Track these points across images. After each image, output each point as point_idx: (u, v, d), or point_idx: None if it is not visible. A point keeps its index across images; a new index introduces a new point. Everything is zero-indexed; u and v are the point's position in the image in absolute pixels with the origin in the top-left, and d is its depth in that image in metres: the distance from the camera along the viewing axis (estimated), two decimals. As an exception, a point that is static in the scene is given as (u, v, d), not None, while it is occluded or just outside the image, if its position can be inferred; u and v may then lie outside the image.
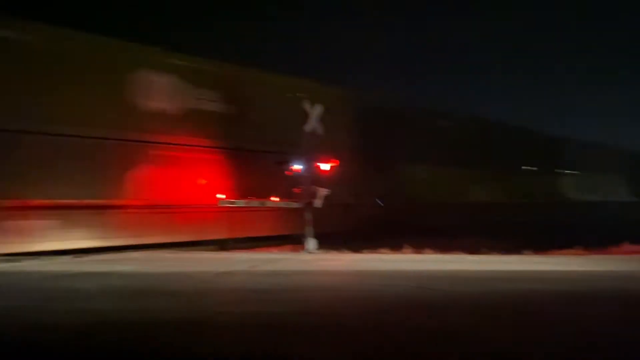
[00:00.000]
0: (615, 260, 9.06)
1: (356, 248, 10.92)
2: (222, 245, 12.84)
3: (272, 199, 11.89)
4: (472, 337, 3.52)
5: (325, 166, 11.48)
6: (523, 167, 28.28)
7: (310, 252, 11.05)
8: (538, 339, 3.49)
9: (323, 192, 11.34)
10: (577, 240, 10.93)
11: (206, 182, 13.08)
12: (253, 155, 13.94)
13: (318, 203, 11.38)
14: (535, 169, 29.14)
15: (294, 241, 12.38)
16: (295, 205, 11.69)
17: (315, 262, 8.87)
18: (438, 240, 11.44)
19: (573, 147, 31.65)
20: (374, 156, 17.47)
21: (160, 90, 12.58)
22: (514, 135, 27.33)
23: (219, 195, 11.69)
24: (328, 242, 11.67)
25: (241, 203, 11.23)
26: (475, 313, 4.33)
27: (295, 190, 11.79)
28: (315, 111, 11.72)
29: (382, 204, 17.98)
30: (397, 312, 4.44)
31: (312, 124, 11.55)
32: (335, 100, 13.49)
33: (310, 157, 11.61)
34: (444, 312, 4.39)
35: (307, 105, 11.56)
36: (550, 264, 8.23)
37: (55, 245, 10.43)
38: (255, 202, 11.43)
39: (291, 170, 11.58)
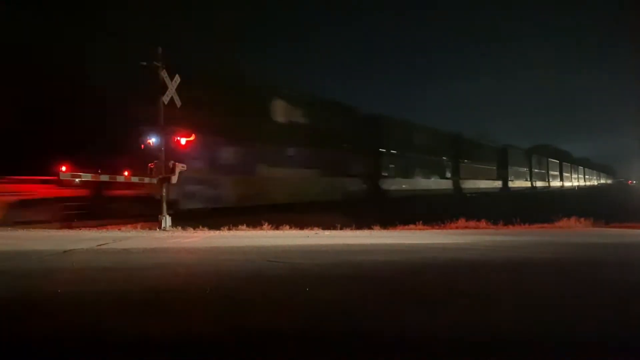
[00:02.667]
0: (453, 234, 10.03)
1: (214, 225, 10.75)
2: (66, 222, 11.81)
3: (125, 173, 11.17)
4: (316, 302, 3.67)
5: (182, 140, 11.06)
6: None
7: (165, 230, 10.66)
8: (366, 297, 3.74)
9: (179, 167, 10.95)
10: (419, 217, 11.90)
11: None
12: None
13: (174, 179, 10.96)
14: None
15: (149, 219, 11.84)
16: (149, 180, 11.14)
17: (169, 240, 8.57)
18: (297, 216, 11.71)
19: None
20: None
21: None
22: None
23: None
24: (185, 219, 11.36)
25: (87, 177, 10.38)
26: (322, 283, 4.51)
27: (151, 165, 11.23)
28: (174, 82, 11.16)
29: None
30: (246, 285, 4.46)
31: (170, 94, 11.00)
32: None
33: (166, 131, 11.09)
34: (292, 283, 4.50)
35: (165, 76, 10.97)
36: (394, 238, 8.86)
37: None
38: (104, 177, 10.64)
39: (146, 143, 10.98)
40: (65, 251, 6.71)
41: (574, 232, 10.56)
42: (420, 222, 11.65)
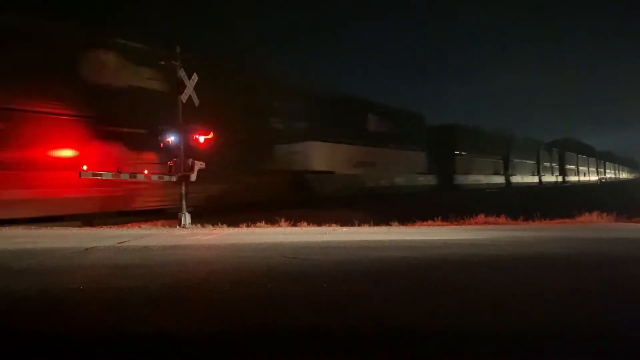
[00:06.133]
0: (471, 230, 9.94)
1: (233, 222, 10.83)
2: (86, 221, 12.01)
3: (145, 171, 11.31)
4: (335, 298, 3.69)
5: (200, 138, 11.15)
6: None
7: (184, 227, 10.77)
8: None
9: (198, 165, 11.04)
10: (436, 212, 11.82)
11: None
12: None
13: (193, 176, 11.06)
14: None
15: (168, 216, 11.97)
16: (169, 178, 11.26)
17: (189, 237, 8.65)
18: (314, 213, 11.74)
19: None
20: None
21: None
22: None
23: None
24: (204, 216, 11.46)
25: (108, 175, 10.53)
26: (340, 279, 4.52)
27: (170, 163, 11.34)
28: (192, 80, 11.26)
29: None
30: (265, 281, 4.49)
31: (188, 93, 11.11)
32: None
33: (185, 129, 11.19)
34: (311, 279, 4.52)
35: (182, 74, 11.06)
36: (412, 234, 8.82)
37: None
38: (124, 175, 10.79)
39: (165, 142, 11.10)
40: (87, 249, 6.82)
41: (596, 227, 10.39)
42: (439, 218, 11.58)
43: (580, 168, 77.22)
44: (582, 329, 3.04)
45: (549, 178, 61.85)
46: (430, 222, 11.48)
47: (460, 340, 2.85)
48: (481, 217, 12.00)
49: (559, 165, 66.12)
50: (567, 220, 11.64)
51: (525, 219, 11.60)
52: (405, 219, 11.36)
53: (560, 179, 66.19)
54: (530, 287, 4.24)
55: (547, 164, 62.85)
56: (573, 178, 72.58)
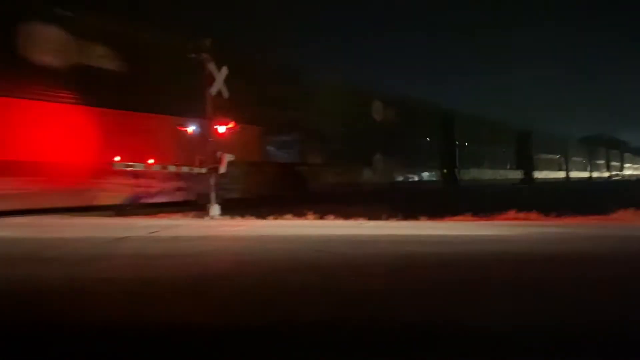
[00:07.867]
0: (500, 226, 9.77)
1: (260, 214, 10.91)
2: (118, 211, 12.26)
3: (175, 163, 11.48)
4: (360, 295, 3.66)
5: (224, 129, 11.24)
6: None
7: (213, 218, 10.90)
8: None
9: (227, 157, 11.15)
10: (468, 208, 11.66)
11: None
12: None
13: (222, 169, 11.18)
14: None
15: (198, 207, 12.13)
16: (198, 170, 11.40)
17: (218, 228, 8.76)
18: (342, 207, 11.72)
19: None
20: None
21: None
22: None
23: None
24: (233, 208, 11.58)
25: (140, 166, 10.73)
26: (368, 274, 4.50)
27: (199, 155, 11.49)
28: (221, 73, 11.36)
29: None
30: (293, 273, 4.49)
31: (218, 86, 11.22)
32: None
33: (213, 121, 11.30)
34: (338, 273, 4.51)
35: (212, 67, 11.17)
36: (440, 229, 8.72)
37: None
38: (156, 166, 10.98)
39: (192, 133, 11.25)
40: (118, 238, 6.96)
41: (631, 225, 10.07)
42: (471, 213, 11.41)
43: (614, 164, 75.84)
44: (623, 329, 2.95)
45: (596, 174, 64.89)
46: (459, 216, 11.33)
47: (487, 339, 2.79)
48: (511, 213, 11.77)
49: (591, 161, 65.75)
50: (601, 217, 11.31)
51: (558, 215, 11.33)
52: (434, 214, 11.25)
53: (594, 174, 65.12)
54: (563, 286, 4.13)
55: (600, 161, 67.30)
56: (610, 174, 71.54)
